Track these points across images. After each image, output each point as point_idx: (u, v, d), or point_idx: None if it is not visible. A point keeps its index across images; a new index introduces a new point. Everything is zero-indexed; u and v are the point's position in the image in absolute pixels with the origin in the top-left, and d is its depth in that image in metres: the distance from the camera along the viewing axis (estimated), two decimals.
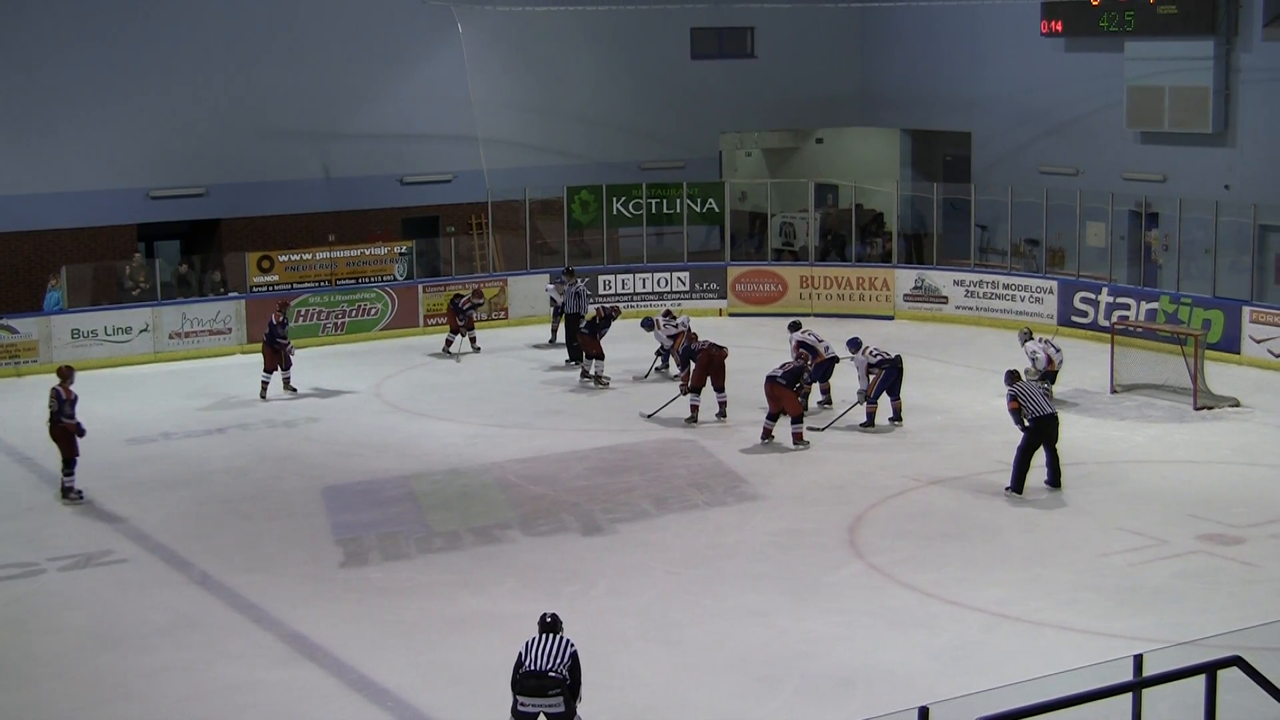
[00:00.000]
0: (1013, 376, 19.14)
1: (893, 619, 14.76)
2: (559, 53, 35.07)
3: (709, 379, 22.59)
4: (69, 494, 19.27)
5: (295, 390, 24.99)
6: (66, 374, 19.55)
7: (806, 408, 22.08)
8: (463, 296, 28.57)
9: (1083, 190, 29.99)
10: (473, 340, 28.38)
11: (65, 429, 19.17)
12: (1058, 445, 18.68)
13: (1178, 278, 27.85)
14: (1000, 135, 34.48)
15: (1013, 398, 18.66)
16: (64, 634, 14.85)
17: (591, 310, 26.96)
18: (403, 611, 15.24)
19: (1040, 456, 18.62)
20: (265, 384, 24.80)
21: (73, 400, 19.31)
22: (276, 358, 24.81)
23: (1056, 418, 18.64)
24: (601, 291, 31.08)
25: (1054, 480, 18.71)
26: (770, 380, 21.14)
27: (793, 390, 21.07)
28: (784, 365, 21.47)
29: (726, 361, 22.70)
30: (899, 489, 19.11)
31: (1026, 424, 18.47)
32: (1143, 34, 30.43)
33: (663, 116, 36.28)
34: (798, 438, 21.04)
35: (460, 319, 28.12)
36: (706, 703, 13.00)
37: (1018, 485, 18.53)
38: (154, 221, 31.37)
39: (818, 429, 21.74)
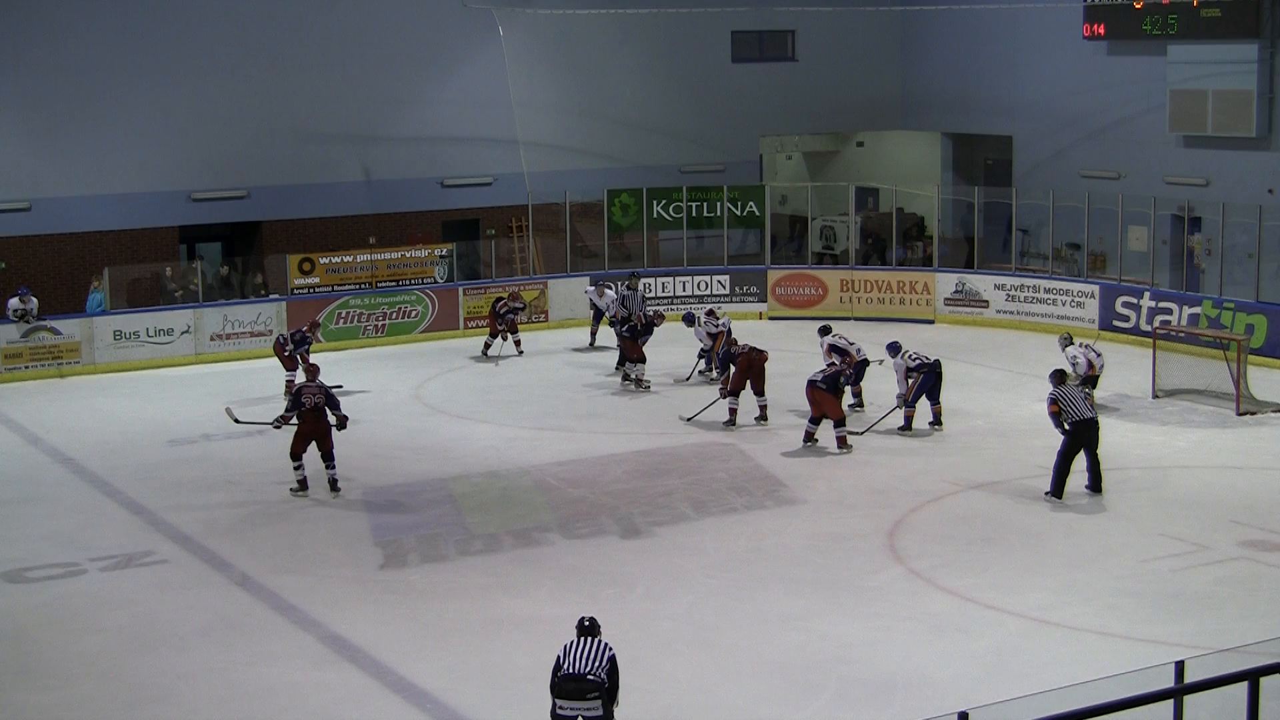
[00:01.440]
0: (1059, 377, 19.03)
1: (932, 624, 14.71)
2: (599, 55, 35.11)
3: (749, 382, 22.58)
4: (335, 486, 19.49)
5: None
6: (315, 372, 20.43)
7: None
8: (502, 299, 28.60)
9: (1124, 194, 29.80)
10: (517, 344, 28.34)
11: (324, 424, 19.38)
12: (1099, 450, 18.59)
13: (1220, 282, 27.65)
14: (1041, 139, 34.31)
15: (1053, 400, 18.55)
16: (104, 634, 14.94)
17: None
18: (441, 613, 15.27)
19: (1081, 461, 18.52)
20: (289, 383, 24.90)
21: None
22: (291, 360, 24.97)
23: (1097, 422, 18.52)
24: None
25: (1095, 485, 18.60)
26: (811, 385, 21.11)
27: (834, 394, 21.04)
28: (824, 370, 21.44)
29: (766, 365, 22.69)
30: (939, 493, 19.05)
31: (1066, 428, 18.38)
32: (1186, 37, 30.26)
33: (703, 119, 36.27)
34: (841, 441, 21.01)
35: (500, 323, 28.15)
36: (743, 706, 12.98)
37: (1058, 490, 18.43)
38: (195, 224, 31.58)
39: (857, 432, 21.67)
